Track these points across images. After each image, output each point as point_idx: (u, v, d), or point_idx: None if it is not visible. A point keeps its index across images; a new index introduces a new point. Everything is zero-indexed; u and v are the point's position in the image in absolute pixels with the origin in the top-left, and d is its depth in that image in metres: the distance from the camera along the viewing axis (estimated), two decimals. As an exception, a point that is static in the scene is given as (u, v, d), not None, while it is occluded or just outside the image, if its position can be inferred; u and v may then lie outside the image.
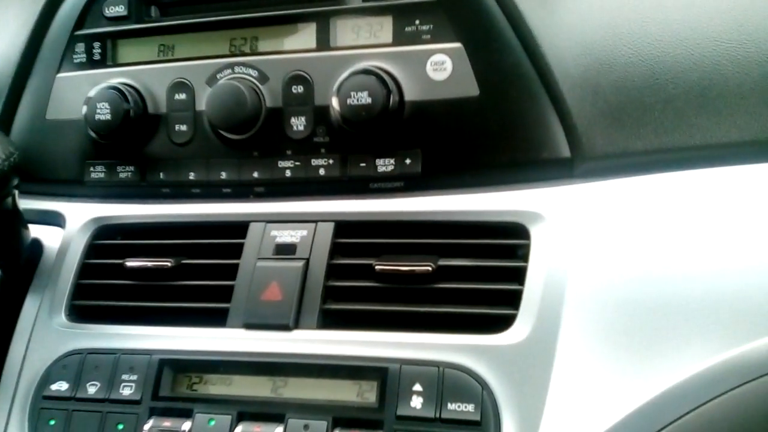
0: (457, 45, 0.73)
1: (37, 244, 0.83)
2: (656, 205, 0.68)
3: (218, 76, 0.79)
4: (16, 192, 0.76)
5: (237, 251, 0.75)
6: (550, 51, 0.72)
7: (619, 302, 0.64)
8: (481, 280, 0.69)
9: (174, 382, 0.71)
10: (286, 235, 0.75)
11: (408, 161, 0.74)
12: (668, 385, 0.60)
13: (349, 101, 0.72)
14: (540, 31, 0.72)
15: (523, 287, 0.67)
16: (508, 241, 0.70)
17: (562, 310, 0.65)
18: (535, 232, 0.69)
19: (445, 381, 0.64)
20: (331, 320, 0.71)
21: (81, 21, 0.85)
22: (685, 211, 0.67)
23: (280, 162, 0.78)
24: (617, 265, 0.66)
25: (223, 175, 0.79)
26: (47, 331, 0.77)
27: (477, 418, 0.62)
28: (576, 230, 0.68)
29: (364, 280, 0.72)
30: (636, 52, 0.72)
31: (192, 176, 0.80)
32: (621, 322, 0.64)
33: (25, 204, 0.82)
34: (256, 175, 0.78)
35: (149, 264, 0.76)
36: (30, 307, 0.79)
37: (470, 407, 0.62)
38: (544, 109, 0.72)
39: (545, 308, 0.65)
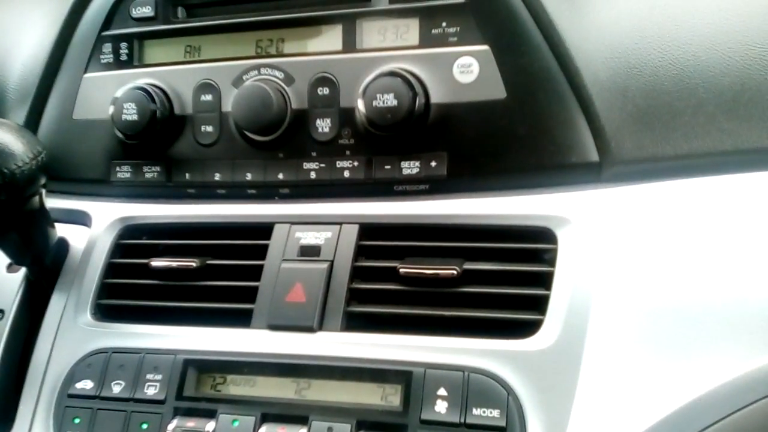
0: (484, 47, 0.73)
1: (63, 243, 0.84)
2: (685, 211, 0.68)
3: (244, 78, 0.79)
4: (44, 191, 0.76)
5: (262, 252, 0.75)
6: (578, 54, 0.71)
7: (647, 308, 0.64)
8: (507, 284, 0.68)
9: (198, 382, 0.71)
10: (311, 236, 0.75)
11: (433, 164, 0.74)
12: (697, 394, 0.60)
13: (374, 103, 0.72)
14: (568, 34, 0.72)
15: (550, 292, 0.66)
16: (534, 246, 0.69)
17: (590, 315, 0.64)
18: (562, 236, 0.68)
19: (470, 386, 0.63)
20: (355, 323, 0.71)
21: (108, 22, 0.85)
22: (715, 217, 0.66)
23: (305, 163, 0.78)
24: (645, 270, 0.65)
25: (249, 176, 0.79)
26: (73, 330, 0.77)
27: (502, 424, 0.62)
28: (604, 235, 0.68)
29: (388, 283, 0.71)
30: (666, 56, 0.71)
31: (217, 177, 0.80)
32: (649, 329, 0.63)
33: (52, 203, 0.83)
34: (281, 176, 0.78)
35: (174, 264, 0.77)
36: (56, 305, 0.80)
37: (495, 413, 0.62)
38: (572, 112, 0.71)
39: (572, 313, 0.64)
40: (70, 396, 0.73)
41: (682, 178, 0.69)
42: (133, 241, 0.82)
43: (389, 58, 0.75)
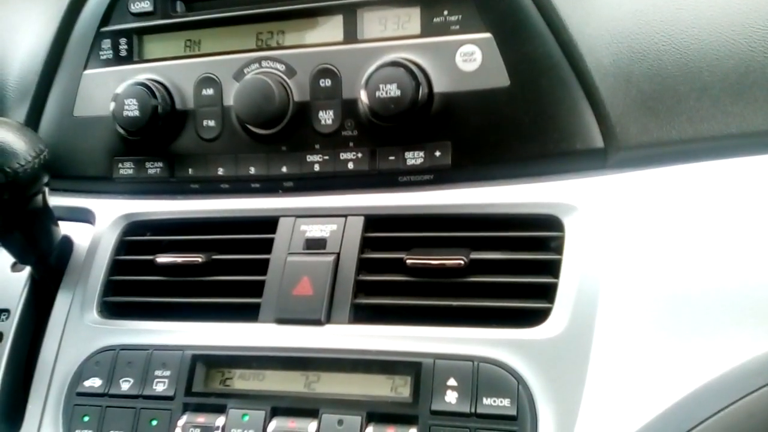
0: (487, 35, 0.72)
1: (67, 242, 0.83)
2: (692, 196, 0.67)
3: (245, 71, 0.79)
4: (46, 189, 0.76)
5: (267, 246, 0.75)
6: (581, 40, 0.71)
7: (655, 295, 0.64)
8: (515, 273, 0.68)
9: (207, 377, 0.71)
10: (316, 229, 0.74)
11: (437, 154, 0.74)
12: (707, 379, 0.59)
13: (377, 94, 0.72)
14: (571, 20, 0.71)
15: (558, 280, 0.66)
16: (541, 234, 0.69)
17: (598, 302, 0.64)
18: (568, 223, 0.68)
19: (480, 376, 0.63)
20: (362, 315, 0.70)
21: (107, 17, 0.85)
22: (721, 201, 0.66)
23: (308, 156, 0.77)
24: (653, 257, 0.65)
25: (252, 170, 0.79)
26: (79, 328, 0.77)
27: (513, 412, 0.61)
28: (610, 221, 0.67)
29: (395, 275, 0.71)
30: (669, 40, 0.71)
31: (221, 171, 0.80)
32: (658, 315, 0.63)
33: (55, 201, 0.82)
34: (284, 169, 0.78)
35: (180, 260, 0.77)
36: (61, 304, 0.79)
37: (506, 402, 0.62)
38: (577, 99, 0.71)
39: (581, 301, 0.64)
40: (79, 394, 0.73)
41: (688, 163, 0.69)
42: (137, 238, 0.82)
43: (391, 48, 0.74)
